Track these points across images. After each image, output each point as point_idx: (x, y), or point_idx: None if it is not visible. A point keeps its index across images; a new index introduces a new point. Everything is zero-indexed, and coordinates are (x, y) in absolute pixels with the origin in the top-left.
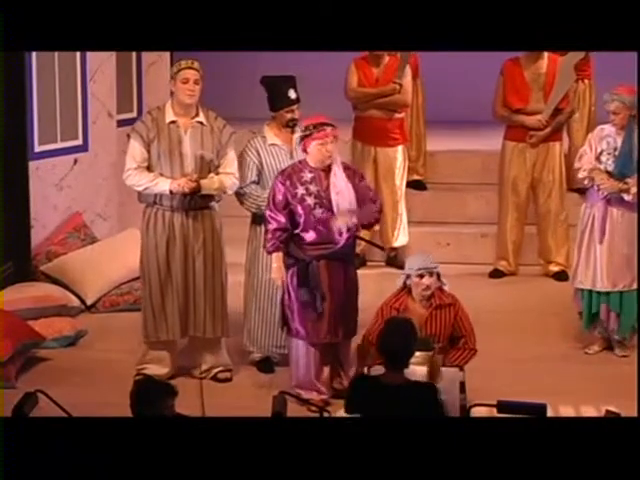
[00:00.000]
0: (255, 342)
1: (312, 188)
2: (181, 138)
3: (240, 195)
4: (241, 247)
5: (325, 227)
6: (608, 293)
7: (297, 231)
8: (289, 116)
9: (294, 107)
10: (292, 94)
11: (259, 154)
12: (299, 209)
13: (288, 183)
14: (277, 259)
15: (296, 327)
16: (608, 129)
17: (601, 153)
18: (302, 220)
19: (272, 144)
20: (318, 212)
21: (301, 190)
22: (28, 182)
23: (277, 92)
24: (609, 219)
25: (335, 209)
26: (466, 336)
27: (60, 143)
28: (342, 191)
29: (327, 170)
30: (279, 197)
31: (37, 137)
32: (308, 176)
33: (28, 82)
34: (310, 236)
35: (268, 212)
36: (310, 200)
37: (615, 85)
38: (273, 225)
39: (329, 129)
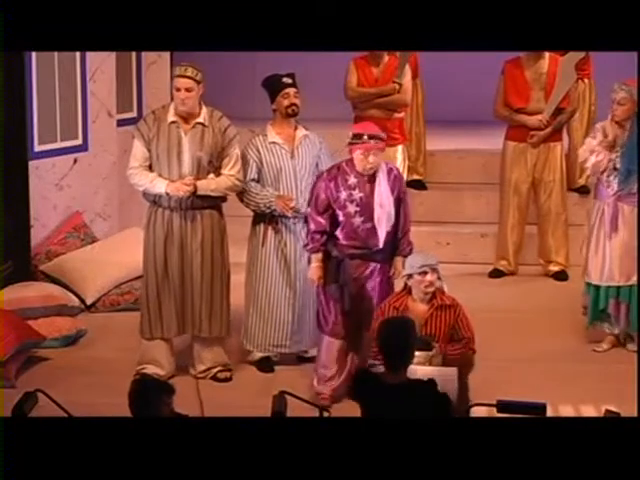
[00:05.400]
0: (252, 340)
1: (355, 194)
2: (180, 139)
3: (240, 193)
4: (241, 246)
5: (364, 233)
6: (618, 287)
7: (336, 232)
8: (286, 102)
9: (289, 91)
10: (286, 79)
11: (259, 152)
12: (340, 214)
13: (332, 185)
14: (316, 259)
15: (323, 322)
16: (607, 125)
17: (613, 146)
18: (342, 225)
19: (272, 142)
20: (358, 220)
21: (344, 195)
22: (28, 182)
23: (273, 80)
24: (620, 215)
25: (376, 222)
26: (466, 338)
27: (60, 143)
28: (384, 204)
29: (372, 176)
30: (322, 198)
31: (37, 137)
32: (353, 181)
33: (28, 82)
34: (347, 238)
35: (310, 212)
36: (351, 207)
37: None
38: (313, 227)
39: (372, 142)
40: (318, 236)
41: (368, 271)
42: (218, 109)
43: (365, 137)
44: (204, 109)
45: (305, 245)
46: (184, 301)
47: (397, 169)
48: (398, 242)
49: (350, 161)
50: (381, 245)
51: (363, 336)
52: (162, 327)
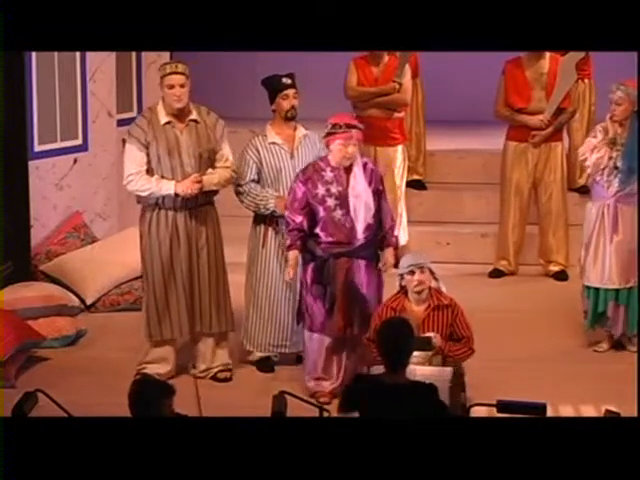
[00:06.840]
0: (252, 340)
1: (333, 189)
2: (178, 138)
3: (239, 194)
4: (241, 247)
5: (345, 227)
6: (617, 290)
7: (317, 230)
8: (285, 104)
9: (289, 92)
10: (285, 80)
11: (259, 152)
12: (320, 209)
13: (309, 184)
14: (292, 256)
15: (310, 320)
16: (607, 124)
17: (614, 143)
18: (322, 220)
19: (272, 142)
20: (338, 213)
21: (322, 190)
22: (28, 182)
23: (272, 81)
24: (620, 217)
25: (352, 213)
26: (465, 337)
27: (60, 143)
28: (360, 194)
29: (349, 169)
30: (299, 197)
31: (37, 137)
32: (329, 175)
33: (28, 82)
34: (329, 235)
35: (287, 212)
36: (331, 201)
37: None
38: (290, 225)
39: (353, 131)
40: (295, 233)
41: (354, 269)
42: (219, 109)
43: (344, 127)
44: (192, 106)
45: (286, 245)
46: (193, 300)
47: (372, 163)
48: (383, 236)
49: (325, 158)
50: (359, 236)
51: (356, 334)
52: (172, 328)
